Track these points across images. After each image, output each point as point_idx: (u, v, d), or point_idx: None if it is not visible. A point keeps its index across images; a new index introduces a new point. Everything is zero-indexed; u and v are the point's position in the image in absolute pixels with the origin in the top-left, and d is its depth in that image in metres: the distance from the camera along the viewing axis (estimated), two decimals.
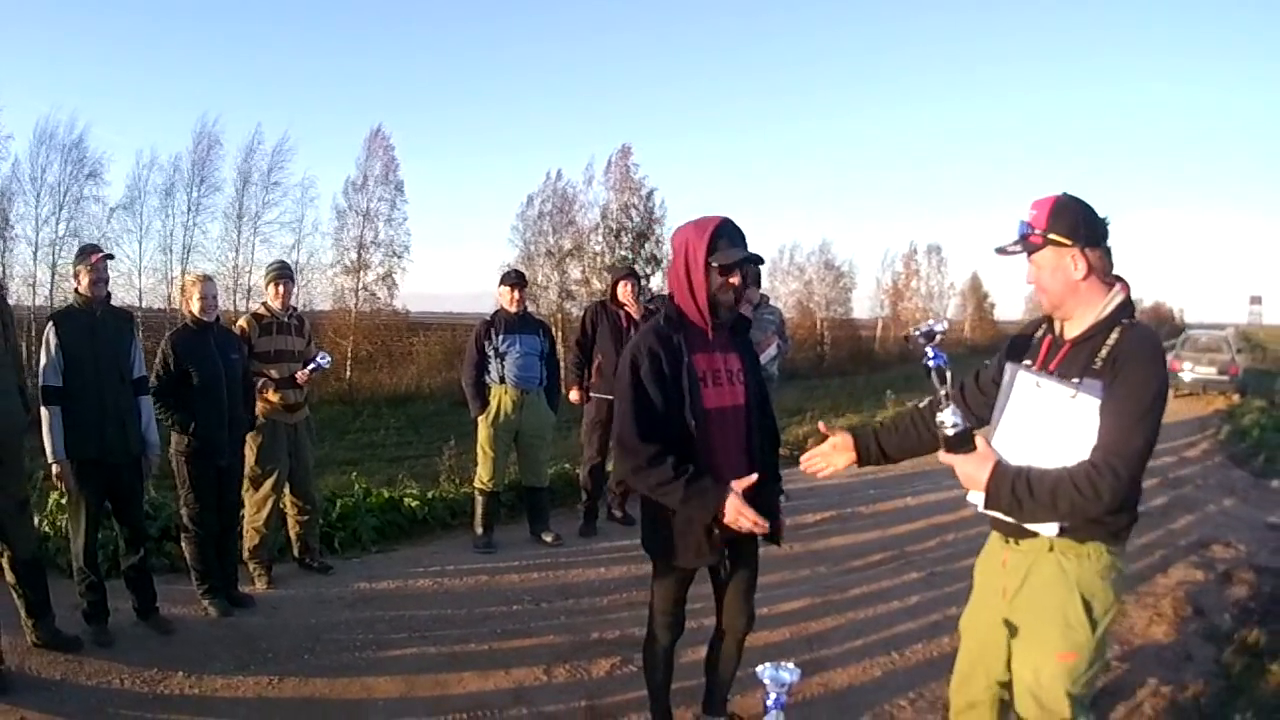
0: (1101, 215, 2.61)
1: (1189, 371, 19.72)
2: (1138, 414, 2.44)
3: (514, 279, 6.82)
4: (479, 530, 6.64)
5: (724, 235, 3.16)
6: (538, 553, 6.45)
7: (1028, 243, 2.62)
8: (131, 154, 50.82)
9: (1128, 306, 2.61)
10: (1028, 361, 2.77)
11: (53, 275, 23.48)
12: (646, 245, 32.15)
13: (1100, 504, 2.42)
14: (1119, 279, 2.64)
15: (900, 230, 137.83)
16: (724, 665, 3.73)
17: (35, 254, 23.27)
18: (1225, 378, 19.45)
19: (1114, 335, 2.54)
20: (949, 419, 2.58)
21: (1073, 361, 2.60)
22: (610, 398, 7.16)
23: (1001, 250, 2.67)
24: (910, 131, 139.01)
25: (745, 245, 3.22)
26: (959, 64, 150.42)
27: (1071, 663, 2.58)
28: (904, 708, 4.21)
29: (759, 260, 3.27)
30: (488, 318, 6.82)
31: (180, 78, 51.32)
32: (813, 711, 4.14)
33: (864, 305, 46.24)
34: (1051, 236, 2.58)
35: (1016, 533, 2.69)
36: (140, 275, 25.66)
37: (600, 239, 32.23)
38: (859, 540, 7.07)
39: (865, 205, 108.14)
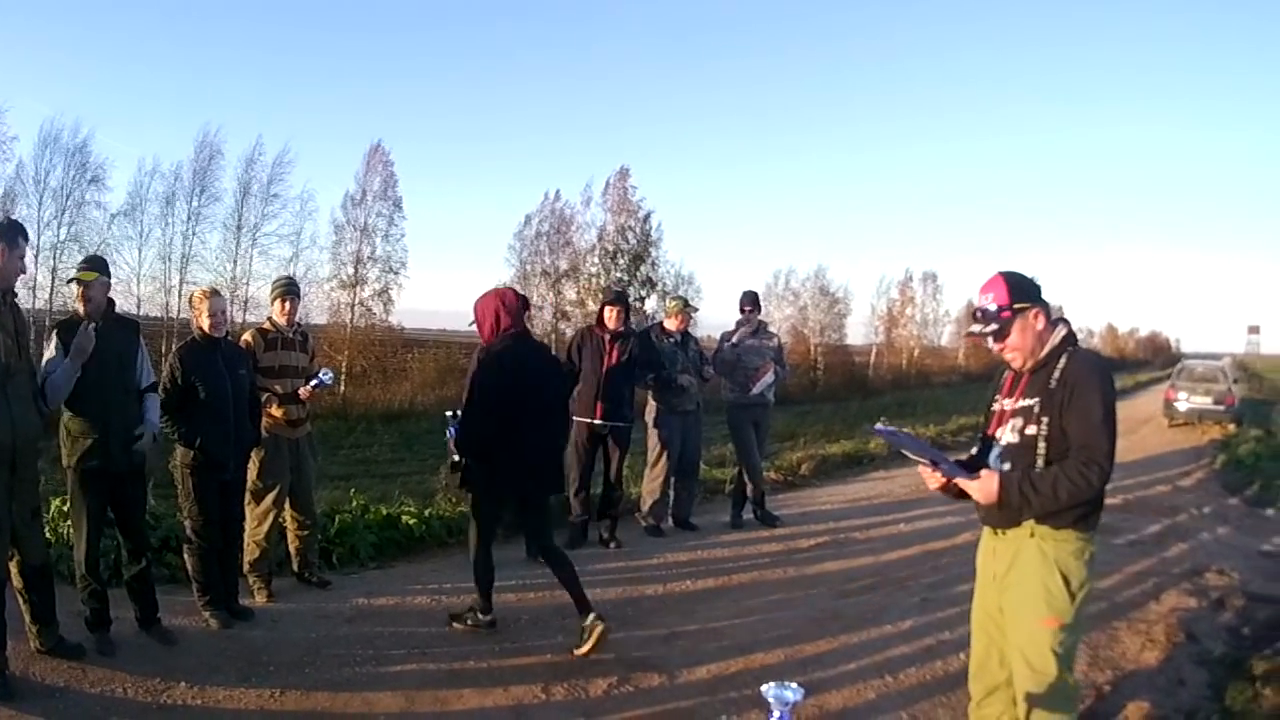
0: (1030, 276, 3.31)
1: (1184, 401, 19.66)
2: (1099, 420, 3.06)
3: None
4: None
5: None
6: (533, 573, 6.43)
7: (1002, 320, 3.22)
8: (134, 161, 50.65)
9: (1071, 338, 3.27)
10: (996, 396, 3.44)
11: (53, 279, 23.46)
12: (642, 267, 32.26)
13: (1092, 490, 3.04)
14: (1062, 319, 3.30)
15: (896, 257, 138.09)
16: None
17: (36, 258, 23.08)
18: (1221, 408, 19.31)
19: (1063, 361, 3.19)
20: None
21: (1032, 385, 3.23)
22: (588, 420, 7.26)
23: (976, 335, 3.30)
24: (909, 160, 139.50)
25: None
26: (958, 97, 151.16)
27: (1054, 627, 3.13)
28: None
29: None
30: None
31: (183, 87, 51.30)
32: None
33: (858, 331, 46.27)
34: (1018, 307, 3.21)
35: (1001, 523, 3.28)
36: (139, 283, 25.66)
37: (596, 260, 32.37)
38: (853, 565, 7.11)
39: (862, 232, 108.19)
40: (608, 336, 7.26)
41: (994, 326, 3.22)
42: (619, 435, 7.45)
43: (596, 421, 7.24)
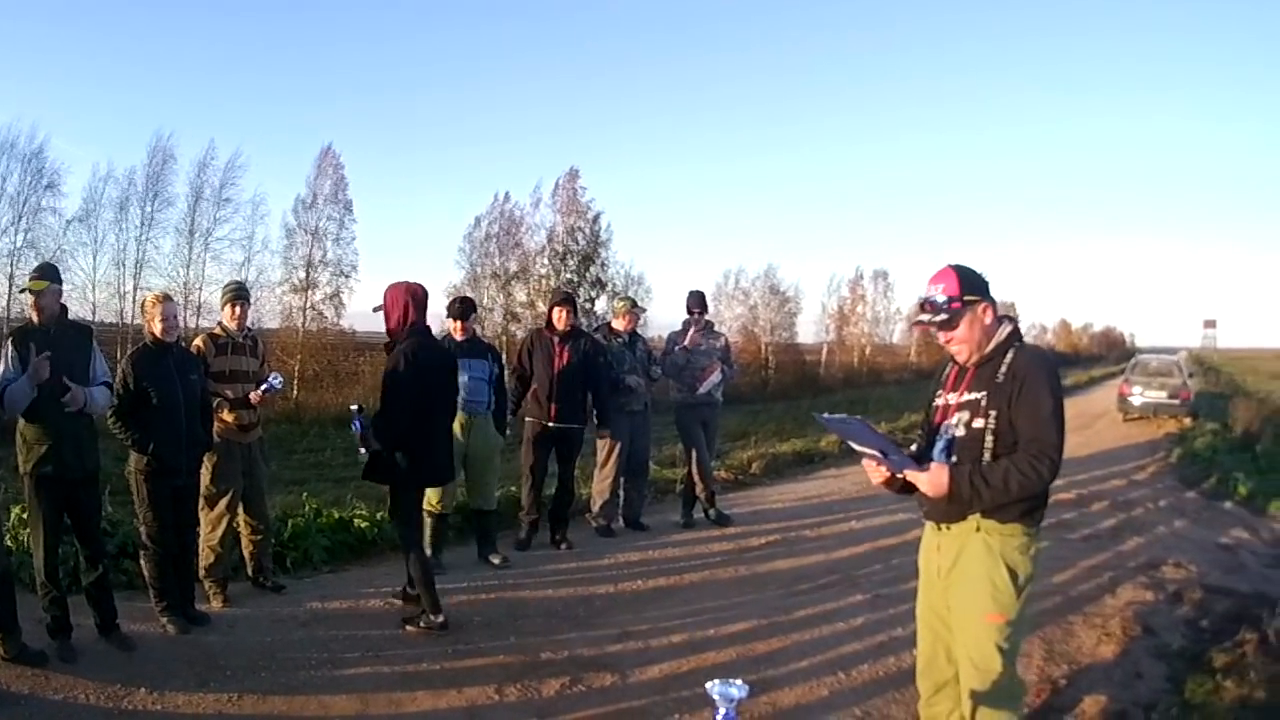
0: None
1: (1138, 396, 19.77)
2: (1048, 414, 3.06)
3: (457, 311, 6.88)
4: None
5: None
6: (485, 574, 6.49)
7: (951, 310, 3.20)
8: (88, 165, 49.37)
9: (1017, 334, 3.27)
10: (939, 391, 3.41)
11: (9, 285, 22.93)
12: (592, 268, 32.12)
13: (1043, 483, 3.04)
14: (1009, 317, 3.30)
15: (847, 256, 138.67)
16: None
17: None
18: (1176, 401, 19.35)
19: (1009, 355, 3.19)
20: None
21: (978, 379, 3.22)
22: (541, 422, 7.30)
23: (924, 324, 3.27)
24: (858, 158, 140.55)
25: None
26: (907, 93, 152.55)
27: (1000, 623, 3.12)
28: None
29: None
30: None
31: (136, 92, 50.44)
32: None
33: (809, 330, 46.16)
34: (968, 299, 3.20)
35: (946, 518, 3.25)
36: (94, 289, 25.16)
37: (546, 262, 32.15)
38: (805, 563, 7.19)
39: (812, 230, 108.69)
40: (557, 338, 7.30)
41: (943, 316, 3.20)
42: (571, 436, 7.51)
43: (550, 424, 7.28)
